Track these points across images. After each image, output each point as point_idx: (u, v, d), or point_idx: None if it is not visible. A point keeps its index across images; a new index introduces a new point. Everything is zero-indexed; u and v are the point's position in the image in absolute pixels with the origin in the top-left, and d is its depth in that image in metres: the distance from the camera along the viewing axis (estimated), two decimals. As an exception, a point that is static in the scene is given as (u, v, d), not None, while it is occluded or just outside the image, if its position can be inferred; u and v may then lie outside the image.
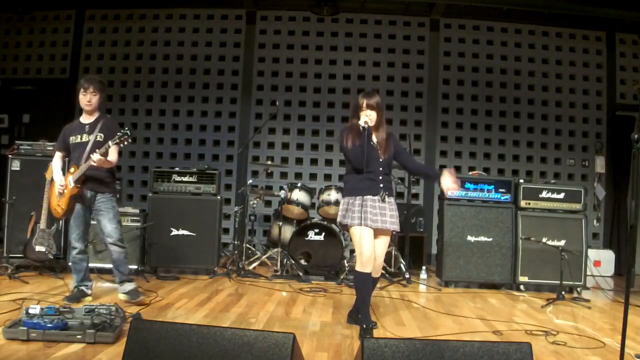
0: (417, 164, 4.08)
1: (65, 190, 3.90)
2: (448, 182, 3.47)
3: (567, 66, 7.28)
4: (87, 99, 3.95)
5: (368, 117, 3.49)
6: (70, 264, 4.14)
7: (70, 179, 3.88)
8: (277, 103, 6.06)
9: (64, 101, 7.20)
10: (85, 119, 4.03)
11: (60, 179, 3.94)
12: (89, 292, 4.07)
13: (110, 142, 3.72)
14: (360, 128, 3.47)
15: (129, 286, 4.01)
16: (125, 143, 3.70)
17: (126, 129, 3.71)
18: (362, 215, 3.43)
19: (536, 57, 7.29)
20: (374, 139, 3.58)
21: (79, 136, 3.97)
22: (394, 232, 3.76)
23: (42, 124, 7.09)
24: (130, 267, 4.76)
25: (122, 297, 4.00)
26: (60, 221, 5.14)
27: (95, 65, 7.37)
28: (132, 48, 7.38)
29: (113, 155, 3.88)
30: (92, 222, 4.20)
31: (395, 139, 3.75)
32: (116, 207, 4.05)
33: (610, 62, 7.26)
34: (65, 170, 4.05)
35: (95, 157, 3.70)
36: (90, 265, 4.94)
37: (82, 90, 3.96)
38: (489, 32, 7.32)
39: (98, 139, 3.91)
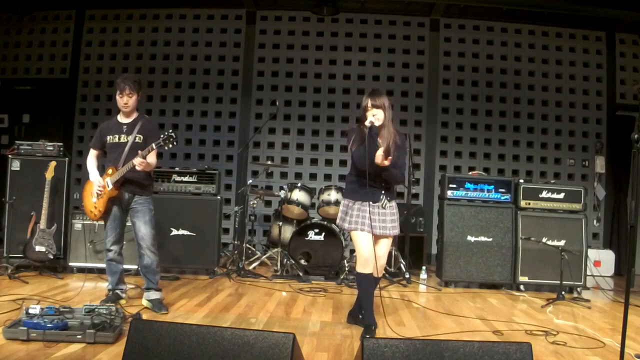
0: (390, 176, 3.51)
1: (103, 192, 3.75)
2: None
3: (567, 66, 7.28)
4: (124, 101, 3.78)
5: (375, 117, 3.40)
6: (105, 266, 3.93)
7: (109, 181, 3.72)
8: (277, 103, 6.07)
9: (64, 101, 7.20)
10: (123, 119, 3.87)
11: (98, 180, 3.76)
12: (123, 295, 3.95)
13: (154, 145, 3.55)
14: (365, 128, 3.38)
15: (154, 295, 3.85)
16: (171, 146, 3.55)
17: (170, 131, 3.55)
18: (361, 220, 3.43)
19: (536, 57, 7.29)
20: (379, 140, 3.44)
21: (117, 136, 3.81)
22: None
23: (42, 124, 7.10)
24: (130, 267, 4.78)
25: (145, 303, 3.88)
26: (61, 221, 5.18)
27: (95, 65, 7.37)
28: (132, 48, 7.38)
29: (152, 158, 3.72)
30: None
31: (401, 143, 3.54)
32: (152, 210, 3.88)
33: (610, 62, 7.26)
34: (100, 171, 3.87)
35: (138, 160, 3.55)
36: (90, 265, 5.00)
37: (118, 92, 3.79)
38: (489, 32, 7.31)
39: (137, 140, 3.77)
